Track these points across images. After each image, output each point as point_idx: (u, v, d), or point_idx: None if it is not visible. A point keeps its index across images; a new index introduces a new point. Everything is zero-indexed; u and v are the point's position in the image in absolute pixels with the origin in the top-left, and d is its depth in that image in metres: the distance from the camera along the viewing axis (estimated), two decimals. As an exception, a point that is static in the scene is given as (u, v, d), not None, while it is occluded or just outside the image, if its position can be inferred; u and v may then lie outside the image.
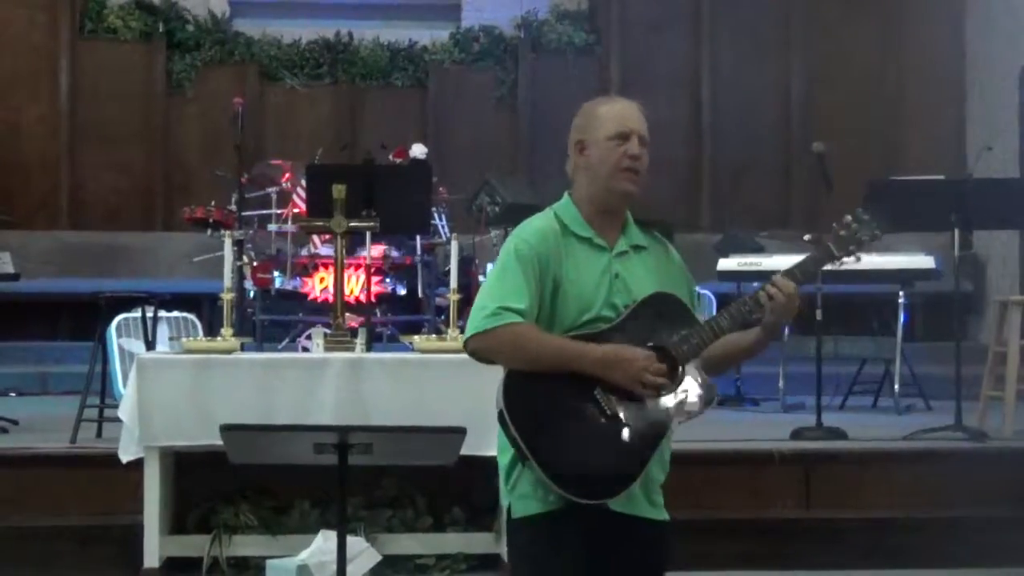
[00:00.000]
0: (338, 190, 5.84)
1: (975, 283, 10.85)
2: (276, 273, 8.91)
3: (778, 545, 5.86)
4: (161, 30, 11.89)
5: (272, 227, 9.16)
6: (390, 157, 9.30)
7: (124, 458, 5.46)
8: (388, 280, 9.15)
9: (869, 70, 11.91)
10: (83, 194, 11.69)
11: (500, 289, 3.04)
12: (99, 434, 6.56)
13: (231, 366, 5.49)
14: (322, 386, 5.41)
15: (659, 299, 3.10)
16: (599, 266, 3.11)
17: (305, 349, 7.78)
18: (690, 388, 3.05)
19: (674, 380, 3.03)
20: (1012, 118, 10.66)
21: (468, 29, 12.33)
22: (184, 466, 5.68)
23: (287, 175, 9.40)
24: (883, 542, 5.86)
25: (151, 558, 5.38)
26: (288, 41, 12.21)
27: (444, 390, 5.28)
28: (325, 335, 5.82)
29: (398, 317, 9.18)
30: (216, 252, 8.45)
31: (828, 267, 3.24)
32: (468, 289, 7.80)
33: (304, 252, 9.12)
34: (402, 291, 9.18)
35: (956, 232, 6.77)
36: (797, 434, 6.57)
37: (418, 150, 9.59)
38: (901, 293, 8.19)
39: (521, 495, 3.05)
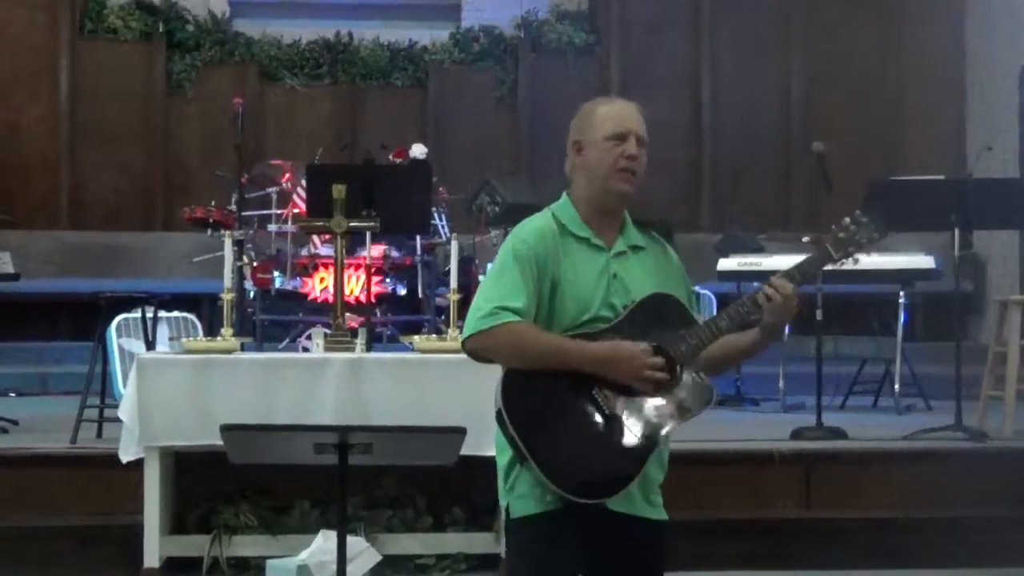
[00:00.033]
0: (338, 190, 5.84)
1: (975, 283, 10.85)
2: (276, 273, 8.91)
3: (778, 545, 5.86)
4: (161, 30, 11.89)
5: (272, 227, 9.16)
6: (390, 157, 9.30)
7: (124, 458, 5.46)
8: (388, 280, 9.16)
9: (869, 70, 11.90)
10: (83, 194, 11.69)
11: (497, 289, 3.04)
12: (99, 434, 6.56)
13: (231, 366, 5.49)
14: (322, 386, 5.41)
15: (657, 299, 3.10)
16: (597, 266, 3.11)
17: (305, 349, 7.78)
18: (689, 388, 3.06)
19: (673, 379, 3.04)
20: (1012, 118, 10.66)
21: (468, 29, 12.32)
22: (184, 466, 5.68)
23: (287, 175, 9.40)
24: (883, 542, 5.86)
25: (151, 558, 5.38)
26: (288, 41, 12.21)
27: (444, 390, 5.28)
28: (325, 335, 5.82)
29: (398, 317, 9.18)
30: (216, 252, 8.45)
31: (831, 267, 3.24)
32: (468, 289, 7.79)
33: (304, 252, 9.12)
34: (402, 291, 9.18)
35: (956, 232, 6.77)
36: (797, 434, 6.57)
37: (418, 150, 9.59)
38: (901, 293, 8.19)
39: (520, 495, 3.05)
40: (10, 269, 7.85)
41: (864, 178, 7.67)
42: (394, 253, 9.15)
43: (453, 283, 5.94)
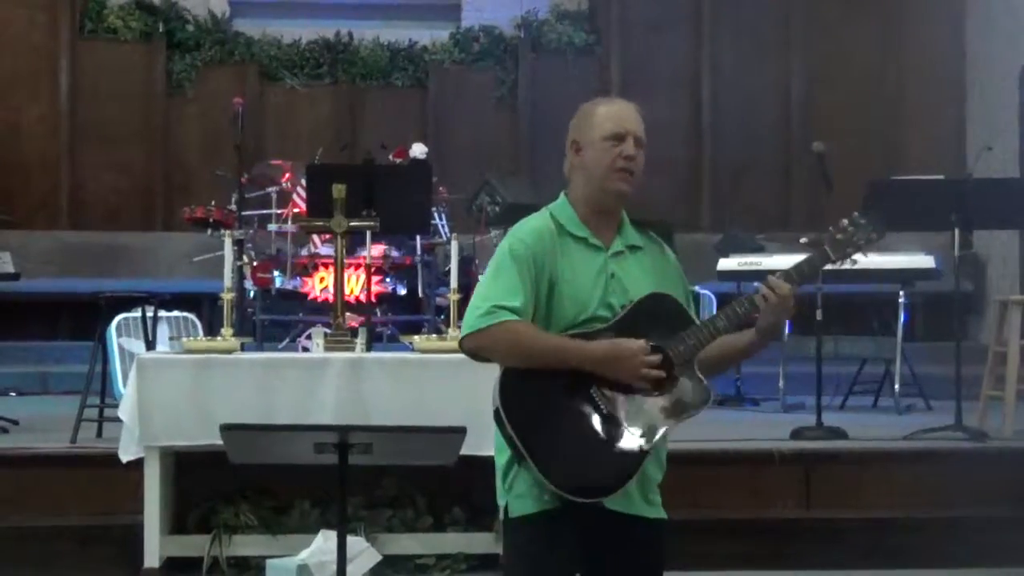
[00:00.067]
0: (338, 190, 5.84)
1: (975, 283, 10.85)
2: (276, 273, 8.91)
3: (778, 545, 5.86)
4: (161, 30, 11.89)
5: (272, 227, 9.16)
6: (390, 157, 9.30)
7: (124, 458, 5.46)
8: (388, 280, 9.16)
9: (869, 70, 11.90)
10: (83, 194, 11.69)
11: (495, 288, 3.04)
12: (99, 434, 6.56)
13: (231, 366, 5.49)
14: (322, 386, 5.41)
15: (655, 299, 3.10)
16: (595, 266, 3.11)
17: (305, 349, 7.78)
18: (686, 388, 3.06)
19: (670, 379, 3.04)
20: (1012, 118, 10.66)
21: (468, 29, 12.33)
22: (184, 466, 5.68)
23: (287, 175, 9.40)
24: (883, 542, 5.86)
25: (151, 558, 5.38)
26: (288, 41, 12.21)
27: (444, 390, 5.28)
28: (325, 335, 5.82)
29: (398, 317, 9.18)
30: (216, 252, 8.45)
31: (829, 267, 3.24)
32: (468, 289, 7.76)
33: (304, 252, 9.12)
34: (402, 291, 9.18)
35: (956, 232, 6.77)
36: (797, 434, 6.57)
37: (418, 150, 9.59)
38: (901, 293, 8.19)
39: (518, 494, 3.06)
40: (10, 269, 7.85)
41: (864, 178, 7.67)
42: (394, 253, 9.15)
43: (453, 283, 5.95)
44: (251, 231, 9.03)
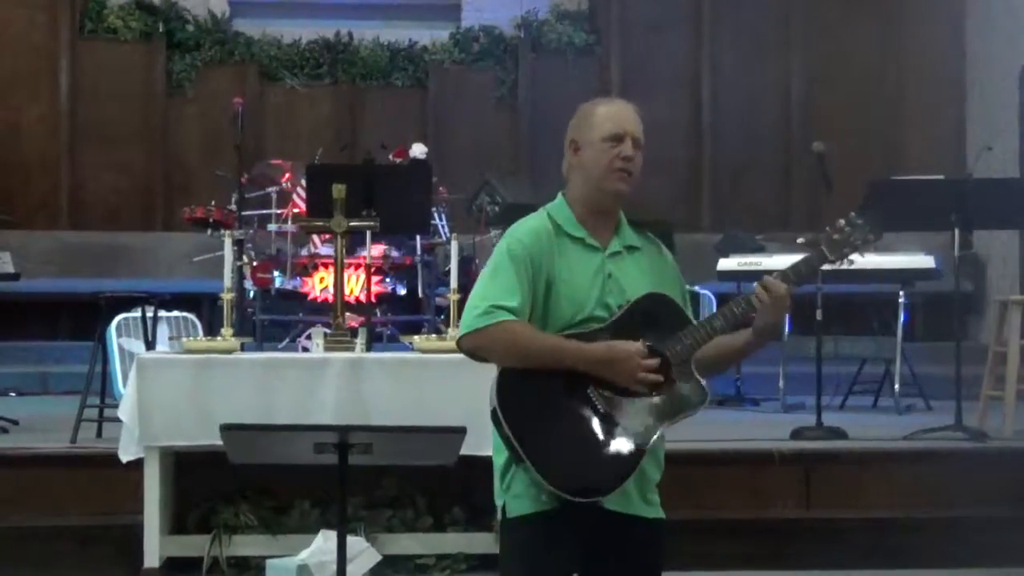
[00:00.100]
0: (338, 190, 5.84)
1: (975, 283, 10.85)
2: (276, 273, 8.91)
3: (778, 545, 5.86)
4: (161, 30, 11.88)
5: (272, 227, 9.16)
6: (390, 157, 9.30)
7: (124, 458, 5.46)
8: (388, 280, 9.16)
9: (869, 70, 11.90)
10: (83, 194, 11.68)
11: (492, 288, 3.04)
12: (99, 434, 6.56)
13: (231, 366, 5.49)
14: (322, 386, 5.41)
15: (652, 299, 3.10)
16: (592, 266, 3.11)
17: (305, 349, 7.77)
18: (683, 388, 3.05)
19: (667, 379, 3.03)
20: (1012, 118, 10.66)
21: (468, 29, 12.32)
22: (184, 466, 5.68)
23: (287, 175, 9.40)
24: (883, 542, 5.86)
25: (151, 558, 5.38)
26: (288, 41, 12.20)
27: (444, 390, 5.28)
28: (325, 335, 5.82)
29: (398, 317, 9.18)
30: (216, 252, 8.45)
31: (827, 267, 3.24)
32: (468, 289, 7.74)
33: (304, 252, 9.12)
34: (402, 291, 9.18)
35: (956, 232, 6.77)
36: (797, 434, 6.57)
37: (418, 150, 9.59)
38: (901, 293, 8.19)
39: (515, 495, 3.06)
40: (10, 269, 7.86)
41: (864, 178, 7.67)
42: (394, 253, 9.15)
43: (453, 283, 5.94)
44: (251, 231, 9.02)
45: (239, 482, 5.62)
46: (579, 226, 3.14)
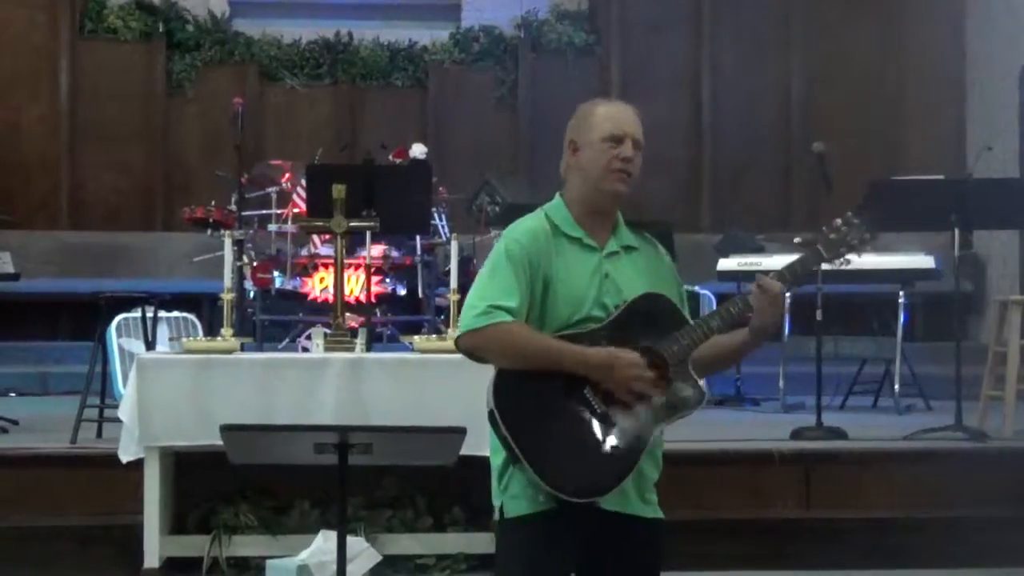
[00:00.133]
0: (338, 190, 5.84)
1: (975, 283, 10.85)
2: (276, 273, 8.91)
3: (778, 545, 5.86)
4: (161, 30, 11.88)
5: (272, 227, 9.16)
6: (390, 157, 9.30)
7: (124, 458, 5.46)
8: (388, 280, 9.16)
9: (869, 70, 11.90)
10: (83, 194, 11.69)
11: (491, 288, 3.04)
12: (99, 434, 6.56)
13: (231, 366, 5.49)
14: (322, 386, 5.41)
15: (649, 299, 3.10)
16: (589, 266, 3.11)
17: (305, 349, 7.78)
18: (680, 389, 3.06)
19: (664, 381, 3.03)
20: (1012, 118, 10.66)
21: (468, 29, 12.32)
22: (184, 466, 5.68)
23: (287, 175, 9.40)
24: (883, 542, 5.86)
25: (151, 558, 5.38)
26: (288, 41, 12.20)
27: (444, 390, 5.28)
28: (325, 335, 5.82)
29: (398, 317, 9.19)
30: (216, 252, 8.45)
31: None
32: (467, 289, 7.78)
33: (304, 252, 9.12)
34: (402, 291, 9.18)
35: (956, 232, 6.77)
36: (797, 434, 6.57)
37: (418, 150, 9.59)
38: (901, 293, 8.19)
39: (513, 495, 3.06)
40: (10, 269, 7.86)
41: (864, 178, 7.68)
42: (394, 253, 9.15)
43: (453, 283, 5.94)
44: (251, 231, 9.03)
45: (239, 482, 5.62)
46: (577, 226, 3.14)
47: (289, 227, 8.99)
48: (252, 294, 8.83)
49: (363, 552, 5.27)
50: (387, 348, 8.14)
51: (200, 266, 9.70)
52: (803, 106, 11.96)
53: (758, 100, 11.94)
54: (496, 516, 3.13)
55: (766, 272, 3.17)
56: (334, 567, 3.52)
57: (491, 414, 2.98)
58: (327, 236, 8.02)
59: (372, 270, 8.51)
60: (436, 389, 5.34)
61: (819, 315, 6.82)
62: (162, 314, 7.21)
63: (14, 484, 5.88)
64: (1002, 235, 10.31)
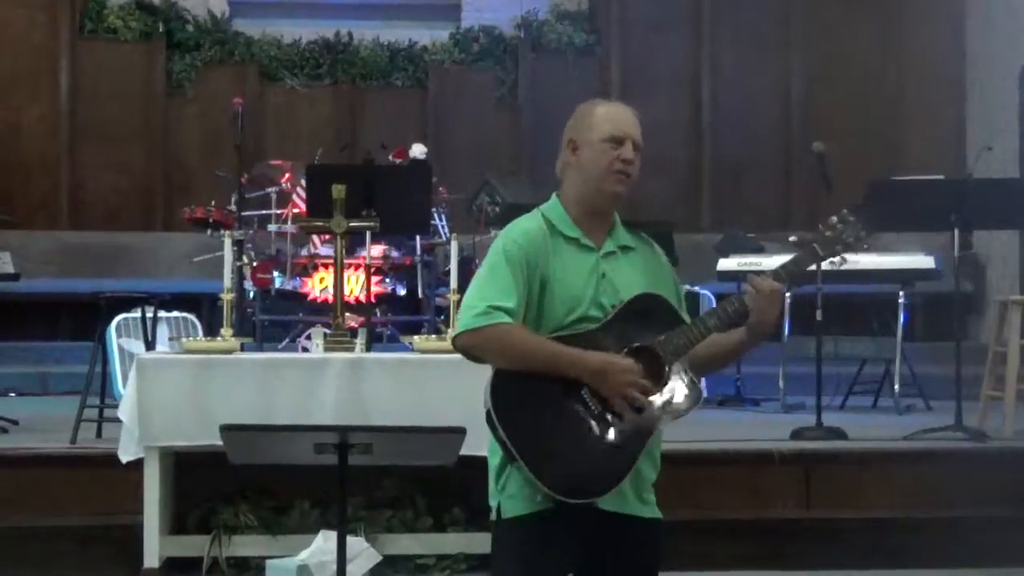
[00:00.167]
0: (338, 190, 5.84)
1: (975, 283, 10.85)
2: (276, 273, 8.91)
3: (778, 545, 5.86)
4: (161, 30, 11.88)
5: (272, 227, 9.16)
6: (390, 157, 9.30)
7: (124, 458, 5.46)
8: (388, 280, 9.16)
9: (869, 70, 11.90)
10: (83, 194, 11.69)
11: (490, 288, 3.04)
12: (99, 434, 6.56)
13: (231, 366, 5.49)
14: (322, 386, 5.40)
15: (646, 299, 3.10)
16: (586, 266, 3.11)
17: (305, 349, 7.78)
18: (676, 388, 3.06)
19: (660, 380, 3.03)
20: (1012, 118, 10.66)
21: (468, 29, 12.32)
22: (184, 466, 5.68)
23: (287, 175, 9.40)
24: (883, 542, 5.86)
25: (151, 558, 5.38)
26: (288, 41, 12.21)
27: (444, 390, 5.27)
28: (325, 335, 5.82)
29: (398, 317, 9.19)
30: (216, 252, 8.45)
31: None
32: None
33: (304, 252, 9.12)
34: (402, 291, 9.18)
35: (956, 232, 6.77)
36: (797, 434, 6.57)
37: (418, 150, 9.59)
38: (901, 293, 8.19)
39: (510, 495, 3.07)
40: (10, 269, 7.86)
41: (864, 178, 7.67)
42: (394, 253, 9.16)
43: (453, 283, 5.94)
44: (251, 231, 9.03)
45: (239, 482, 5.62)
46: (574, 226, 3.14)
47: (289, 227, 8.99)
48: (252, 294, 8.83)
49: (363, 552, 5.27)
50: (387, 348, 8.14)
51: (200, 266, 9.70)
52: (803, 106, 11.96)
53: (758, 100, 11.94)
54: (493, 516, 3.13)
55: (765, 272, 3.17)
56: (334, 567, 3.52)
57: (488, 414, 2.98)
58: (327, 236, 8.02)
59: (372, 270, 8.51)
60: (436, 389, 5.34)
61: (819, 315, 6.82)
62: (162, 314, 7.21)
63: (14, 484, 5.88)
64: (1002, 235, 10.31)
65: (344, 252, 6.02)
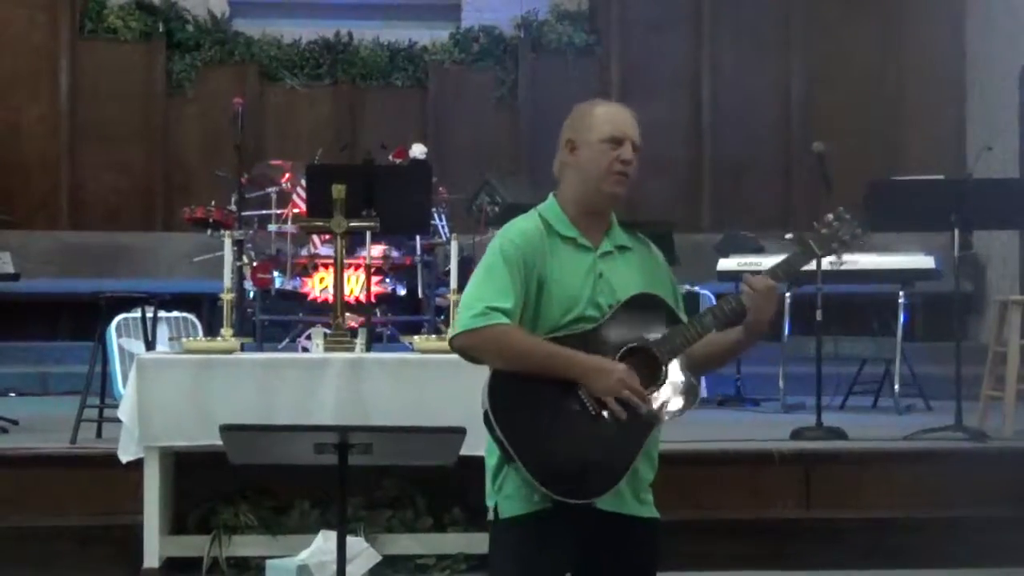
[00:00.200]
0: (338, 190, 5.84)
1: (975, 283, 10.84)
2: (276, 273, 8.92)
3: (778, 545, 5.86)
4: (161, 30, 11.88)
5: (272, 227, 9.16)
6: (390, 157, 9.30)
7: (124, 458, 5.46)
8: (388, 280, 9.16)
9: (869, 70, 11.90)
10: (83, 194, 11.68)
11: (487, 288, 3.04)
12: (99, 434, 6.56)
13: (231, 366, 5.49)
14: (322, 386, 5.40)
15: (643, 299, 3.11)
16: (583, 266, 3.11)
17: (305, 349, 7.78)
18: (674, 388, 3.06)
19: (657, 381, 3.03)
20: (1012, 118, 10.66)
21: (468, 29, 12.32)
22: (184, 466, 5.68)
23: (287, 175, 9.40)
24: (883, 542, 5.86)
25: (151, 558, 5.38)
26: (288, 41, 12.20)
27: (444, 390, 5.27)
28: (325, 335, 5.82)
29: (398, 317, 9.19)
30: (216, 252, 8.45)
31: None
32: (467, 289, 7.78)
33: (304, 252, 9.13)
34: (402, 291, 9.18)
35: (956, 232, 6.77)
36: (797, 434, 6.57)
37: (418, 150, 9.59)
38: (901, 293, 8.19)
39: (507, 495, 3.07)
40: (10, 269, 7.85)
41: (864, 178, 7.67)
42: (394, 253, 9.16)
43: (453, 283, 5.95)
44: (251, 231, 9.03)
45: (239, 482, 5.62)
46: (571, 226, 3.14)
47: (289, 227, 8.99)
48: (252, 294, 8.83)
49: (363, 552, 5.27)
50: (387, 348, 8.14)
51: (200, 266, 9.70)
52: (803, 106, 11.95)
53: (758, 100, 11.94)
54: (490, 517, 3.13)
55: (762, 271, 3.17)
56: (334, 567, 3.52)
57: (486, 415, 2.98)
58: (327, 236, 8.03)
59: (372, 270, 8.51)
60: (436, 389, 5.34)
61: (819, 315, 6.81)
62: (162, 314, 7.21)
63: (14, 484, 5.88)
64: (1002, 235, 10.31)
65: (344, 252, 6.02)
